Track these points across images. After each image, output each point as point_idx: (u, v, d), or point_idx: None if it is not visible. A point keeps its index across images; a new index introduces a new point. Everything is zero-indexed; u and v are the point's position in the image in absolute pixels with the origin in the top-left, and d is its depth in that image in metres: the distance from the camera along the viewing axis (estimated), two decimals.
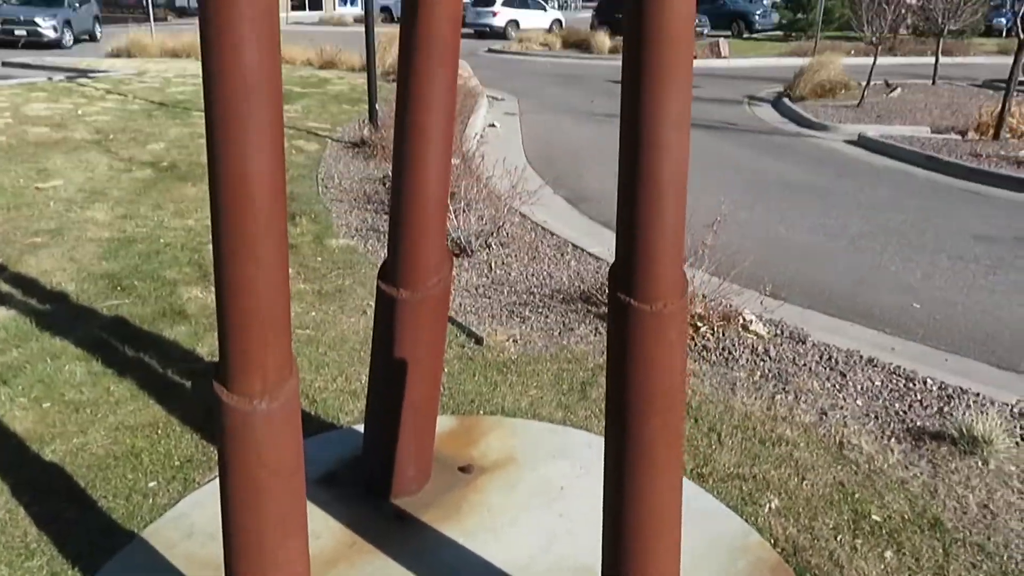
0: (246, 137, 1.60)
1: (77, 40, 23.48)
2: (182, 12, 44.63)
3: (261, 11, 1.50)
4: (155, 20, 24.03)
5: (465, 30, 33.00)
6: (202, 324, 4.37)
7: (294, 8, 42.43)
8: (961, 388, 3.94)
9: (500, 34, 29.92)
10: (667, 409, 1.86)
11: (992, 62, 21.21)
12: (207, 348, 4.11)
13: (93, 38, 25.02)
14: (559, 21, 32.77)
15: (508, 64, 22.10)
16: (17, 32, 21.77)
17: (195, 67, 15.76)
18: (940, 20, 16.80)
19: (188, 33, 18.99)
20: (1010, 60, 11.28)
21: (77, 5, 24.30)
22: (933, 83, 16.78)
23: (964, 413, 3.59)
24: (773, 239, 6.83)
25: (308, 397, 3.65)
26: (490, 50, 25.53)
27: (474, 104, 12.27)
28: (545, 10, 33.74)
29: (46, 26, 21.89)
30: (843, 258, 6.39)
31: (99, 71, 15.66)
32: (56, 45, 22.04)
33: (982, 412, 3.51)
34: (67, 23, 22.89)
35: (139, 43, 19.13)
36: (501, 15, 30.69)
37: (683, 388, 1.97)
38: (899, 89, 15.54)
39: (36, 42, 21.66)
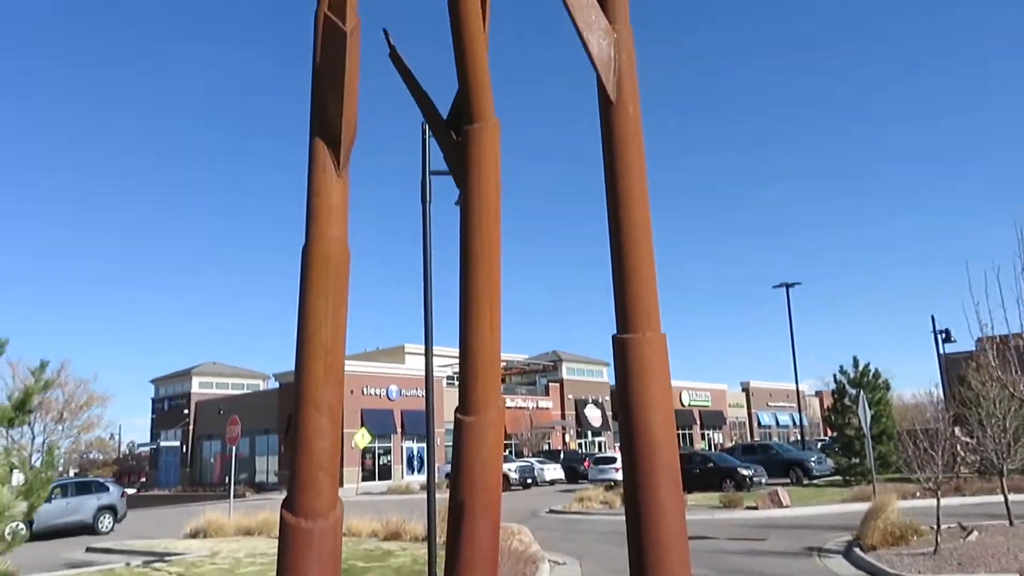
0: None
1: (41, 536, 22.03)
2: (260, 487, 47.49)
3: (326, 558, 1.84)
4: (235, 497, 25.55)
5: (585, 484, 34.86)
6: None
7: (364, 479, 44.76)
8: None
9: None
10: None
11: None
12: None
13: (94, 531, 24.17)
14: None
15: (569, 524, 22.28)
16: None
17: (265, 546, 16.33)
18: (996, 461, 16.92)
19: (265, 511, 20.04)
20: None
21: (57, 496, 23.30)
22: (1010, 523, 16.19)
23: None
24: None
25: None
26: (551, 511, 26.01)
27: (534, 572, 12.17)
28: None
29: None
30: None
31: (175, 553, 16.32)
32: None
33: None
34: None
35: (216, 523, 20.10)
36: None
37: None
38: (975, 532, 15.01)
39: None
